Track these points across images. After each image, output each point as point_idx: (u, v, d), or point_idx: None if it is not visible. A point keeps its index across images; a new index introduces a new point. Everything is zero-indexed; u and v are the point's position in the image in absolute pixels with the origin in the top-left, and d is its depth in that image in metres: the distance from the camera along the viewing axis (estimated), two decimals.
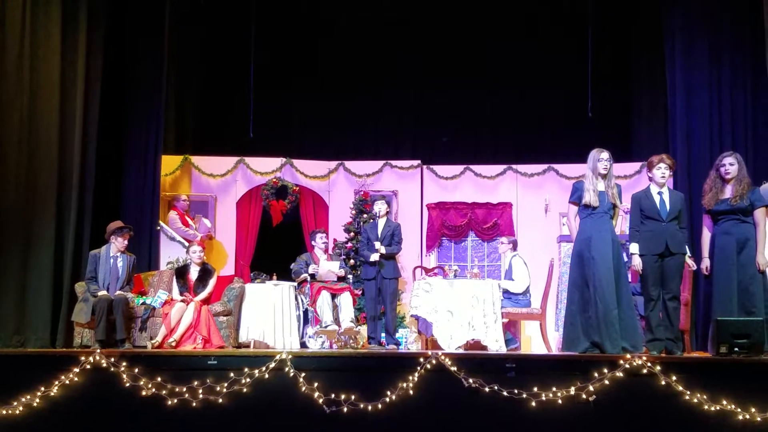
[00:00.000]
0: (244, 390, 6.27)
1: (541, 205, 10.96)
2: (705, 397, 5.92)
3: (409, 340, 9.37)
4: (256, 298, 8.56)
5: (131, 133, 9.90)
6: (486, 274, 10.87)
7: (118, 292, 8.02)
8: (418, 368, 6.21)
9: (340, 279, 8.85)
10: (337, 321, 8.53)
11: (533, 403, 6.06)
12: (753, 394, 5.92)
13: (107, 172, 9.47)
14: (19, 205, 8.43)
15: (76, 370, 6.34)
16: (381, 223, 8.61)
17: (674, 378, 5.99)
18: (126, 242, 8.21)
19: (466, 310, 8.19)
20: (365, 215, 10.39)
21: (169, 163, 10.71)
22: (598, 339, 6.68)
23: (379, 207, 8.66)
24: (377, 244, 8.42)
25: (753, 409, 5.86)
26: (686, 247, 6.99)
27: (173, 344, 7.73)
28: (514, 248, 9.48)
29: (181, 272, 8.41)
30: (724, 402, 5.89)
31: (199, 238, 9.71)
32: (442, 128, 12.45)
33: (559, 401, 6.05)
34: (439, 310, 8.22)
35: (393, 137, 12.58)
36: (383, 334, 8.48)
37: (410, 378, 6.19)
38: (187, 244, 9.44)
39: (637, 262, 6.96)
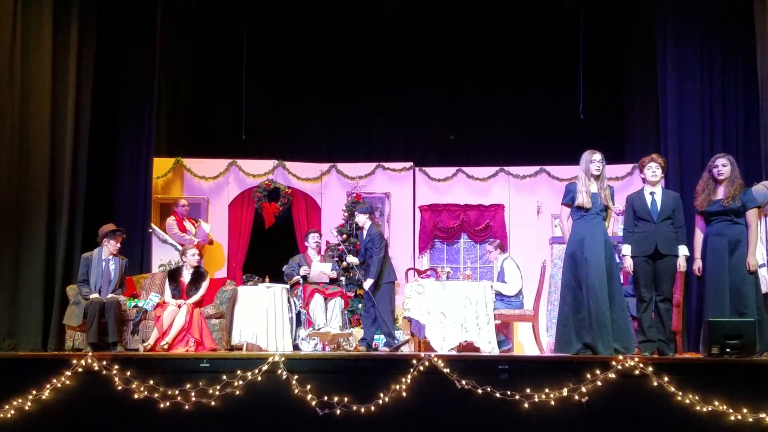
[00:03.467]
0: (237, 393, 6.26)
1: (534, 207, 10.98)
2: (697, 397, 5.93)
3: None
4: (249, 300, 8.55)
5: (123, 136, 9.87)
6: (479, 275, 10.88)
7: (110, 295, 8.00)
8: (411, 370, 6.21)
9: (333, 281, 8.85)
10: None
11: (526, 405, 6.06)
12: (745, 394, 5.94)
13: (99, 175, 9.43)
14: (10, 207, 8.39)
15: (68, 373, 6.32)
16: (364, 233, 8.57)
17: (666, 379, 6.00)
18: (118, 245, 8.19)
19: (459, 311, 8.19)
20: None
21: (161, 165, 10.69)
22: (590, 340, 6.70)
23: (358, 218, 8.63)
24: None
25: (745, 410, 5.87)
26: (685, 246, 6.98)
27: (165, 347, 7.72)
28: (503, 250, 9.49)
29: (174, 275, 8.40)
30: (716, 403, 5.91)
31: (196, 243, 9.67)
32: (435, 130, 12.47)
33: (552, 402, 6.06)
34: (431, 311, 8.22)
35: (385, 139, 12.61)
36: (376, 337, 8.48)
37: (403, 380, 6.18)
38: (180, 247, 9.43)
39: (628, 264, 6.98)
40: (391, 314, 8.37)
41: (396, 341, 8.36)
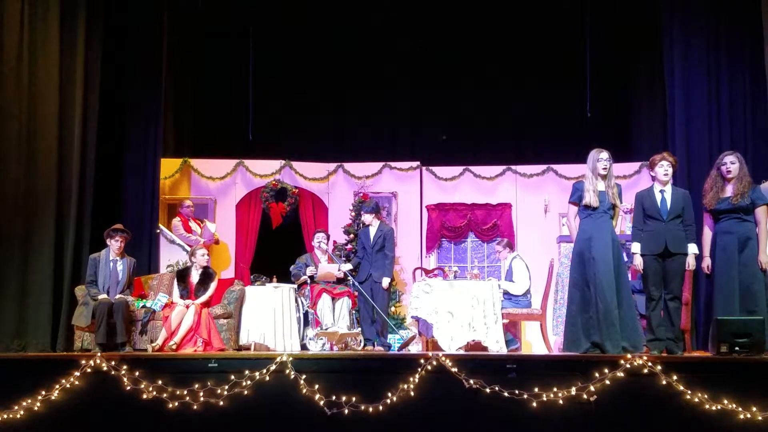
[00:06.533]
0: (245, 392, 6.27)
1: (541, 206, 10.96)
2: (706, 396, 5.92)
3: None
4: (257, 300, 8.56)
5: (130, 137, 9.88)
6: (486, 274, 10.86)
7: (118, 296, 8.02)
8: (419, 369, 6.21)
9: (340, 281, 8.86)
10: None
11: (534, 404, 6.05)
12: (754, 393, 5.92)
13: (107, 176, 9.45)
14: (18, 208, 8.43)
15: (77, 373, 6.34)
16: (372, 229, 8.62)
17: (675, 378, 5.99)
18: (120, 245, 8.18)
19: (467, 311, 8.18)
20: None
21: (169, 166, 10.71)
22: (598, 339, 6.68)
23: (365, 218, 8.71)
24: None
25: (754, 408, 5.86)
26: (694, 245, 6.95)
27: (174, 347, 7.73)
28: (511, 249, 9.48)
29: (182, 275, 8.41)
30: (725, 401, 5.89)
31: (202, 243, 9.67)
32: (441, 129, 12.45)
33: (560, 402, 6.05)
34: (439, 311, 8.21)
35: (392, 139, 12.59)
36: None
37: (411, 379, 6.18)
38: (188, 248, 9.44)
39: (638, 262, 6.96)
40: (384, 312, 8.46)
41: (384, 341, 8.41)
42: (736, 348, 6.26)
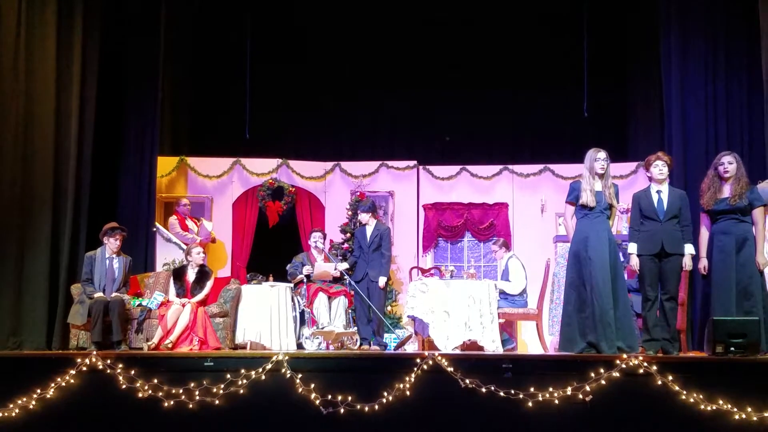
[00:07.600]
0: (241, 391, 6.27)
1: (537, 206, 10.97)
2: (701, 396, 5.92)
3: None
4: (253, 299, 8.55)
5: (127, 135, 9.88)
6: (482, 274, 10.88)
7: (114, 294, 8.01)
8: (415, 369, 6.21)
9: (336, 280, 8.86)
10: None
11: (530, 404, 6.06)
12: (749, 393, 5.92)
13: (103, 174, 9.44)
14: (15, 206, 8.41)
15: (73, 372, 6.33)
16: (369, 229, 8.63)
17: (670, 378, 5.99)
18: (118, 243, 8.17)
19: (463, 310, 8.18)
20: None
21: (165, 164, 10.70)
22: (594, 339, 6.69)
23: (361, 217, 8.72)
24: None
25: (749, 409, 5.86)
26: (691, 245, 6.96)
27: (169, 346, 7.72)
28: (507, 248, 9.48)
29: (179, 274, 8.40)
30: (721, 402, 5.89)
31: (198, 242, 9.67)
32: (438, 129, 12.46)
33: (556, 401, 6.05)
34: (435, 310, 8.21)
35: (389, 138, 12.59)
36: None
37: (407, 379, 6.18)
38: (184, 246, 9.43)
39: (634, 262, 6.96)
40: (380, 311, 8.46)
41: (380, 341, 8.42)
42: (732, 348, 6.27)
